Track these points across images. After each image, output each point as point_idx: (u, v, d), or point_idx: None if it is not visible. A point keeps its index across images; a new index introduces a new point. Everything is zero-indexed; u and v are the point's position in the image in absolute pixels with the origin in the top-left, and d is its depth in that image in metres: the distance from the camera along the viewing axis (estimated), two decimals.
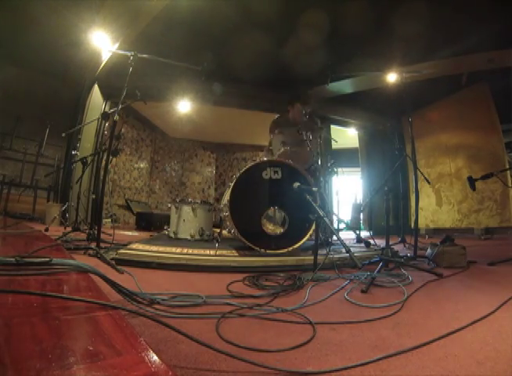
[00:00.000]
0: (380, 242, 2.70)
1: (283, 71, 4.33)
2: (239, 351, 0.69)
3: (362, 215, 5.43)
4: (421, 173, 2.85)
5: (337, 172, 3.07)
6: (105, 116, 2.72)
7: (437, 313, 1.00)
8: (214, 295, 1.12)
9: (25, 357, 0.40)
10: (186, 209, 2.72)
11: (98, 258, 1.68)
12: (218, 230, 2.72)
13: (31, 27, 3.79)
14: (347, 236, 3.85)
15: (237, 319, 0.92)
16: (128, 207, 5.71)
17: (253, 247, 1.88)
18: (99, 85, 4.60)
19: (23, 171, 4.77)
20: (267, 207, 1.94)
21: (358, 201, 5.91)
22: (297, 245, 1.94)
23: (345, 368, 0.63)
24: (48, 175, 4.49)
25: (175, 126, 6.43)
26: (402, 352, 0.70)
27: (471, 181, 2.25)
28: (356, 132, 5.97)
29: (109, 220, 4.55)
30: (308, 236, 1.98)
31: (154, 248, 1.84)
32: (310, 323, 0.88)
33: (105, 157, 2.34)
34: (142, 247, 1.91)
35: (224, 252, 1.91)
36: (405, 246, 2.91)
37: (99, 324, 0.55)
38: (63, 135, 3.34)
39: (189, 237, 2.64)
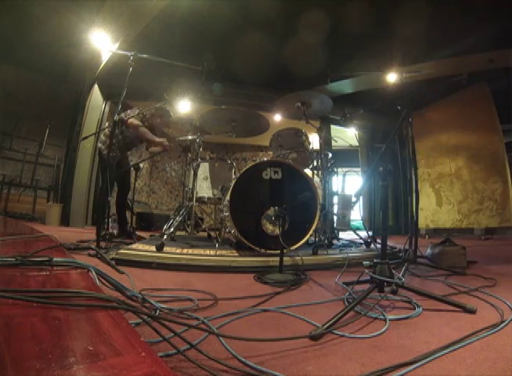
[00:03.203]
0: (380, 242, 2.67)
1: (283, 71, 4.32)
2: (239, 351, 0.69)
3: (361, 211, 5.30)
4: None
5: (336, 172, 3.06)
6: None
7: (437, 313, 1.00)
8: (214, 296, 1.12)
9: (25, 357, 0.40)
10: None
11: (98, 258, 1.68)
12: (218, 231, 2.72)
13: (32, 27, 3.80)
14: (348, 236, 3.84)
15: (237, 319, 0.92)
16: (128, 207, 5.71)
17: (253, 247, 1.88)
18: (99, 85, 4.60)
19: (23, 171, 4.78)
20: (267, 208, 1.94)
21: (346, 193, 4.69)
22: (297, 245, 1.94)
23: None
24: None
25: (175, 126, 6.43)
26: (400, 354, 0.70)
27: None
28: (356, 132, 5.97)
29: (109, 220, 4.54)
30: (308, 236, 1.98)
31: (154, 248, 1.84)
32: (310, 323, 0.88)
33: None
34: (142, 247, 1.91)
35: (224, 252, 1.91)
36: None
37: (99, 324, 0.55)
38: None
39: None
